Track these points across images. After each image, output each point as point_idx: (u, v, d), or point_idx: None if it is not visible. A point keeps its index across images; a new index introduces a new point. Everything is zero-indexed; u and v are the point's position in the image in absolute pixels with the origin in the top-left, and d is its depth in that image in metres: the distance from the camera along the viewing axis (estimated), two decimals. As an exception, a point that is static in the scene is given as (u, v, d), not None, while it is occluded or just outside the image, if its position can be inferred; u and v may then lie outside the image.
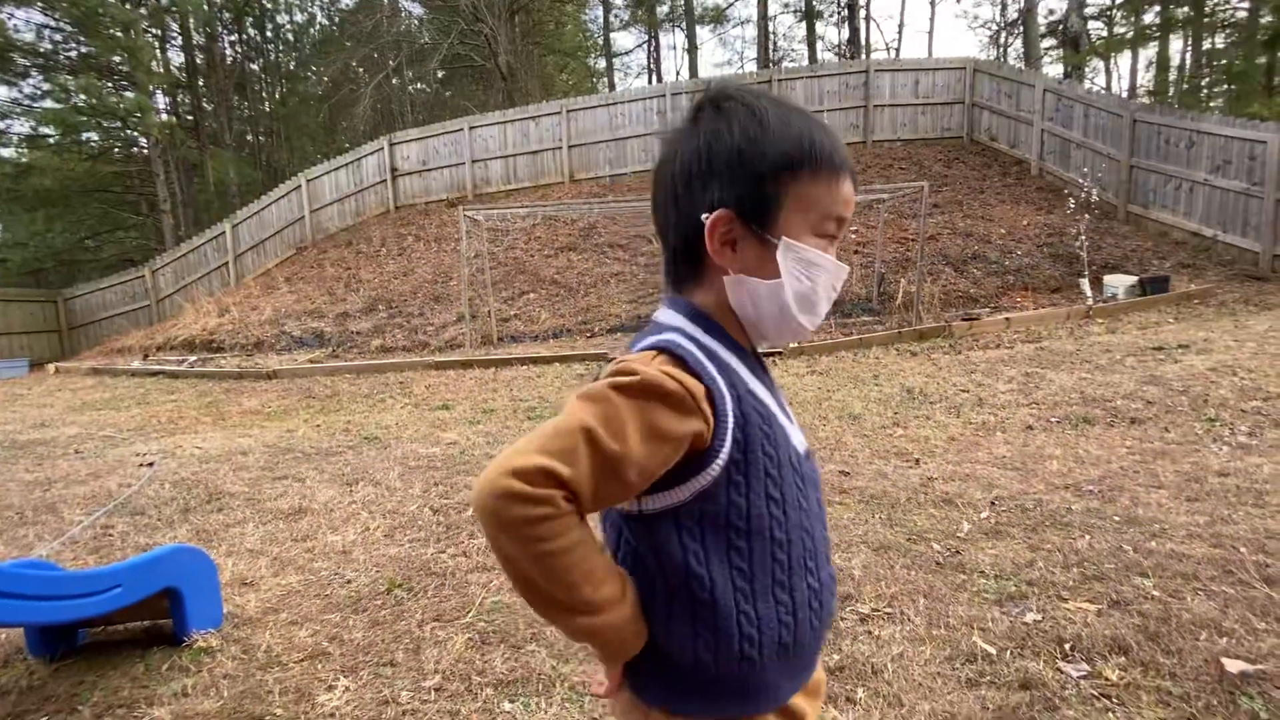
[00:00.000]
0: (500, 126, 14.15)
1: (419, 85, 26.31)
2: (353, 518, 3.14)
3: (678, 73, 29.22)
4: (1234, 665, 1.59)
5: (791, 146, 0.66)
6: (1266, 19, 13.83)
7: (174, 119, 23.88)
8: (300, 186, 14.69)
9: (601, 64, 29.21)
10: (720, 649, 0.64)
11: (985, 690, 1.57)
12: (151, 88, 19.70)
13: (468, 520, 3.01)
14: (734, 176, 0.66)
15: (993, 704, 1.51)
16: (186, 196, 22.89)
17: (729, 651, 0.64)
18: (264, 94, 27.44)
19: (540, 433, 0.58)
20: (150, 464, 4.43)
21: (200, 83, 22.68)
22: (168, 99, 24.35)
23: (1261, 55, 13.48)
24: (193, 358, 11.20)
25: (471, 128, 14.22)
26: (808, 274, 0.68)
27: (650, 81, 27.86)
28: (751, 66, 27.41)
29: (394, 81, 22.76)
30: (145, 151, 19.84)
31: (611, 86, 27.01)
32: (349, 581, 2.42)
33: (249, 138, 27.31)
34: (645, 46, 28.87)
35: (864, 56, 21.60)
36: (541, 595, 0.59)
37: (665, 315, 0.72)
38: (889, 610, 1.99)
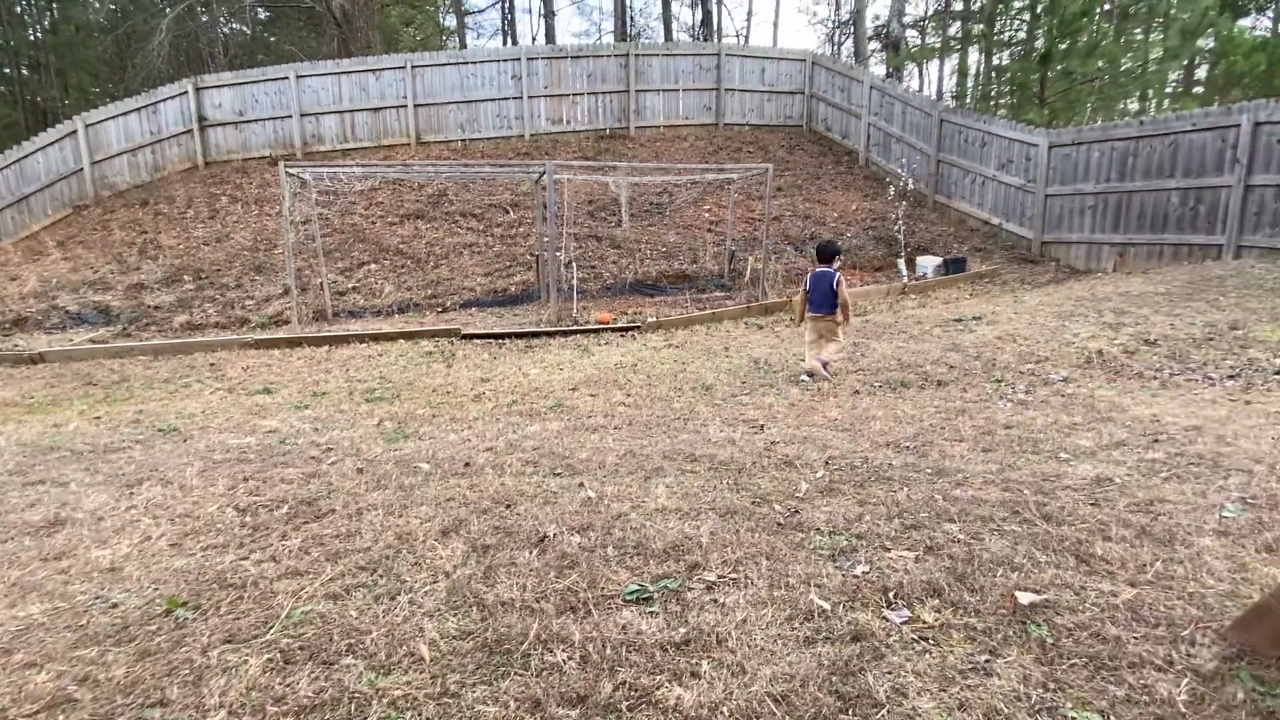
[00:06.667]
0: (335, 78, 12.71)
1: (234, 25, 22.83)
2: (130, 526, 2.61)
3: (534, 38, 28.13)
4: (1025, 597, 1.77)
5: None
6: (1039, 41, 16.25)
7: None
8: (77, 131, 12.18)
9: (452, 21, 27.35)
10: None
11: (821, 647, 1.62)
12: None
13: (281, 519, 2.62)
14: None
15: (827, 660, 1.55)
16: (-93, 137, 18.07)
17: None
18: (26, 17, 22.26)
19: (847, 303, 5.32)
20: None
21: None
22: None
23: (1036, 71, 15.82)
24: (-81, 339, 8.91)
25: (300, 76, 12.62)
26: None
27: (505, 43, 26.56)
28: (609, 39, 27.16)
29: (203, 18, 19.51)
30: None
31: (463, 45, 25.38)
32: (114, 605, 1.98)
33: (6, 70, 22.10)
34: (499, 6, 27.43)
35: (716, 40, 22.24)
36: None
37: (828, 269, 5.29)
38: (734, 575, 2.00)
